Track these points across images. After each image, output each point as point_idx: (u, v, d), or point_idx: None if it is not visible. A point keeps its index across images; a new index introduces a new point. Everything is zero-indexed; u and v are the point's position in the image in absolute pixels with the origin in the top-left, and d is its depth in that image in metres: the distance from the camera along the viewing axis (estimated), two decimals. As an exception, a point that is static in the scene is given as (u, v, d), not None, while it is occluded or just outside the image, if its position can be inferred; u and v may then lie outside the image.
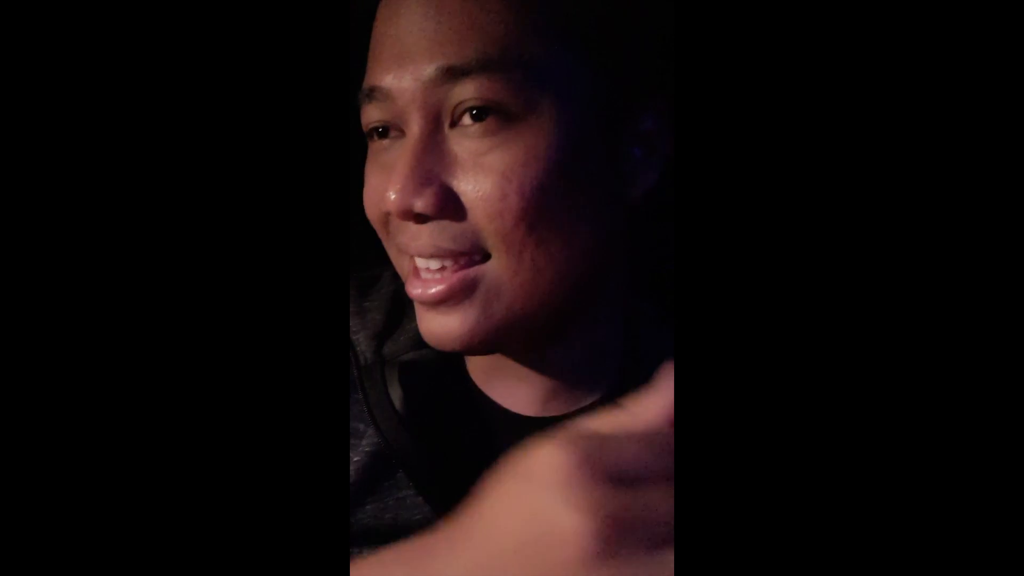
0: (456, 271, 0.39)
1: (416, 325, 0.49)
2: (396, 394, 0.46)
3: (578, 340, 0.44)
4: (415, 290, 0.40)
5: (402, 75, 0.38)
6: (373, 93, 0.40)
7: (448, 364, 0.48)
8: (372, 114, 0.40)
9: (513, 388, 0.46)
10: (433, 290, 0.39)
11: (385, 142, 0.41)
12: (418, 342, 0.48)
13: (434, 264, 0.40)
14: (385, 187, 0.39)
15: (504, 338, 0.41)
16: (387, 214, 0.41)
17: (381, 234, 0.43)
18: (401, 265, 0.43)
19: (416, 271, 0.41)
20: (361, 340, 0.49)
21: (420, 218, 0.39)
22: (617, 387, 0.45)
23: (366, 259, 0.50)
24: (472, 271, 0.39)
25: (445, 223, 0.38)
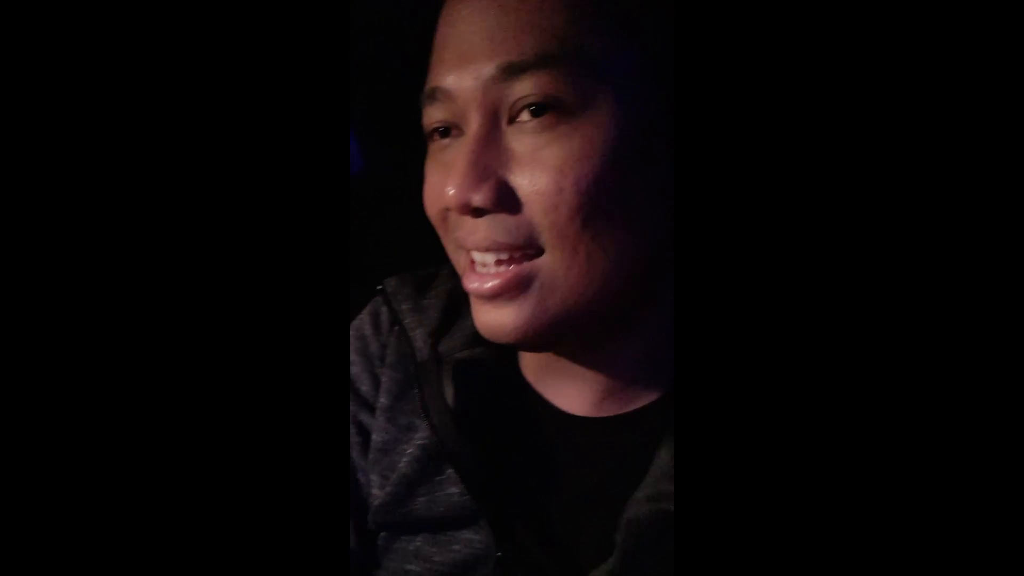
0: (511, 265, 0.40)
1: (471, 323, 0.50)
2: (449, 391, 0.47)
3: (634, 339, 0.44)
4: (471, 284, 0.41)
5: (463, 75, 0.39)
6: (435, 94, 0.41)
7: (502, 362, 0.49)
8: (434, 114, 0.41)
9: (567, 387, 0.46)
10: (489, 284, 0.40)
11: (445, 141, 0.42)
12: (473, 340, 0.49)
13: (490, 258, 0.40)
14: (444, 184, 0.40)
15: (558, 333, 0.41)
16: (446, 210, 0.41)
17: (440, 230, 0.44)
18: (458, 260, 0.44)
19: (473, 265, 0.42)
20: (417, 337, 0.50)
21: (477, 212, 0.39)
22: (674, 388, 0.44)
23: (422, 258, 0.51)
24: (527, 265, 0.39)
25: (501, 217, 0.39)
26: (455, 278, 0.52)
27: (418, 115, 0.43)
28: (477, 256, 0.41)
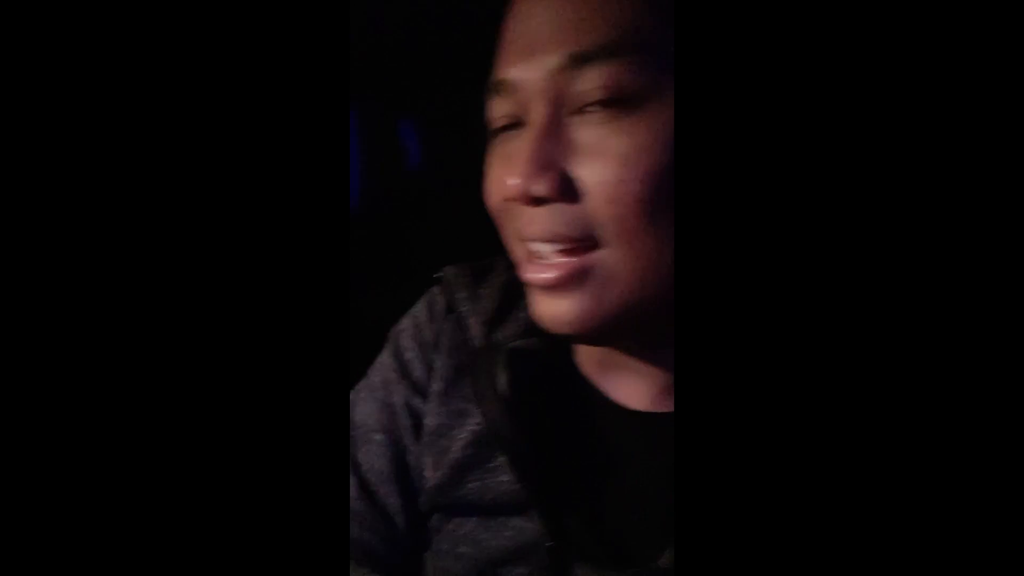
0: (571, 256, 0.40)
1: (526, 314, 0.50)
2: (503, 380, 0.46)
3: None
4: (529, 274, 0.41)
5: (527, 67, 0.39)
6: (500, 86, 0.41)
7: (557, 353, 0.49)
8: (498, 107, 0.42)
9: (625, 381, 0.46)
10: (548, 275, 0.40)
11: (509, 134, 0.42)
12: (528, 330, 0.49)
13: (549, 249, 0.40)
14: (506, 175, 0.40)
15: (616, 326, 0.41)
16: (507, 200, 0.42)
17: (500, 222, 0.44)
18: (517, 252, 0.44)
19: (531, 256, 0.42)
20: (473, 325, 0.50)
21: (538, 202, 0.39)
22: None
23: (481, 248, 0.52)
24: (586, 257, 0.39)
25: (562, 207, 0.39)
26: (512, 269, 0.52)
27: (479, 110, 0.44)
28: (536, 247, 0.41)
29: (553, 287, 0.40)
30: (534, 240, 0.41)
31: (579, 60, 0.37)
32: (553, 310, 0.41)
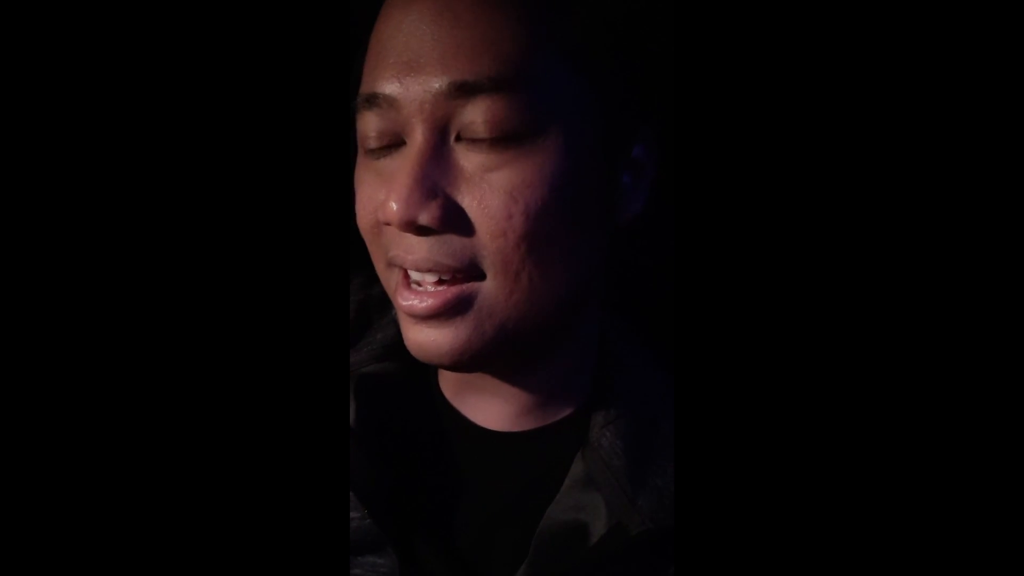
0: (451, 286, 0.38)
1: (381, 337, 0.48)
2: (351, 408, 0.44)
3: (557, 358, 0.44)
4: (406, 301, 0.39)
5: (410, 84, 0.37)
6: (376, 99, 0.38)
7: (413, 377, 0.47)
8: (371, 121, 0.39)
9: (487, 403, 0.45)
10: (427, 303, 0.38)
11: (385, 151, 0.39)
12: (381, 354, 0.47)
13: (430, 278, 0.38)
14: (384, 197, 0.37)
15: (493, 356, 0.40)
16: (382, 224, 0.39)
17: (370, 244, 0.41)
18: (389, 277, 0.41)
19: (407, 283, 0.40)
20: None
21: (422, 230, 0.37)
22: (589, 402, 0.44)
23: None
24: (467, 287, 0.38)
25: (446, 237, 0.37)
26: (366, 288, 0.50)
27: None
28: (415, 275, 0.39)
29: (433, 316, 0.38)
30: (414, 269, 0.39)
31: (467, 89, 0.36)
32: (430, 340, 0.39)
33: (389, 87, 0.37)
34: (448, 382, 0.47)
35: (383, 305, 0.49)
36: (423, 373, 0.47)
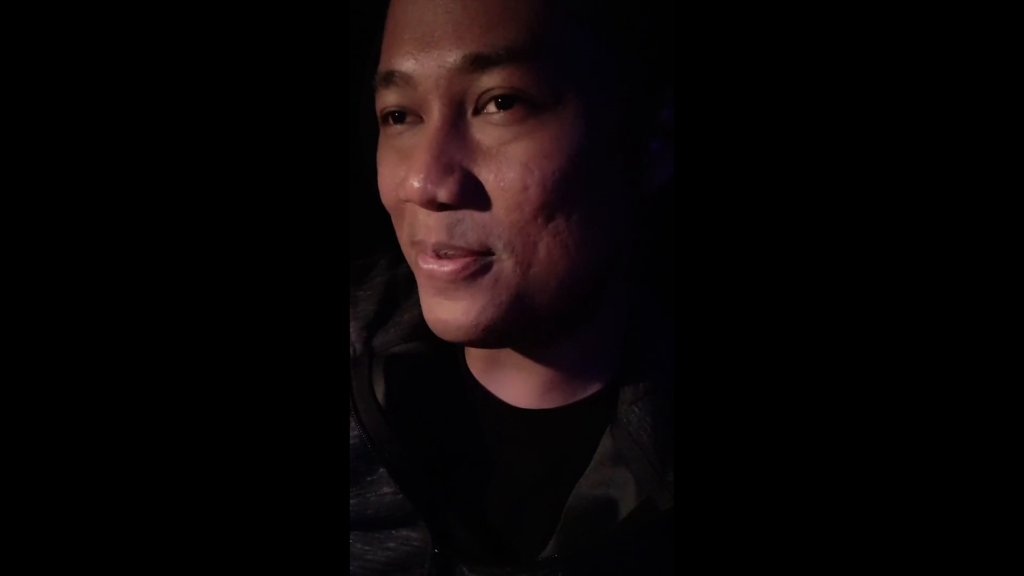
0: (471, 257, 0.38)
1: (409, 316, 0.48)
2: (380, 387, 0.45)
3: (583, 333, 0.44)
4: (427, 266, 0.39)
5: (425, 60, 0.37)
6: (392, 77, 0.38)
7: (441, 357, 0.47)
8: (389, 99, 0.39)
9: (513, 380, 0.45)
10: (446, 267, 0.38)
11: (401, 127, 0.39)
12: (409, 334, 0.47)
13: (450, 252, 0.38)
14: (405, 174, 0.37)
15: (512, 331, 0.40)
16: (405, 201, 0.39)
17: (395, 220, 0.42)
18: (411, 253, 0.41)
19: (426, 258, 0.40)
20: (351, 330, 0.47)
21: (441, 206, 0.37)
22: (617, 379, 0.44)
23: (361, 245, 0.49)
24: (486, 259, 0.38)
25: (464, 212, 0.37)
26: (394, 268, 0.50)
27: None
28: (432, 251, 0.39)
29: (452, 280, 0.38)
30: (431, 244, 0.39)
31: (482, 62, 0.36)
32: (448, 313, 0.39)
33: (405, 64, 0.37)
34: (475, 360, 0.47)
35: (409, 286, 0.49)
36: (450, 352, 0.47)
